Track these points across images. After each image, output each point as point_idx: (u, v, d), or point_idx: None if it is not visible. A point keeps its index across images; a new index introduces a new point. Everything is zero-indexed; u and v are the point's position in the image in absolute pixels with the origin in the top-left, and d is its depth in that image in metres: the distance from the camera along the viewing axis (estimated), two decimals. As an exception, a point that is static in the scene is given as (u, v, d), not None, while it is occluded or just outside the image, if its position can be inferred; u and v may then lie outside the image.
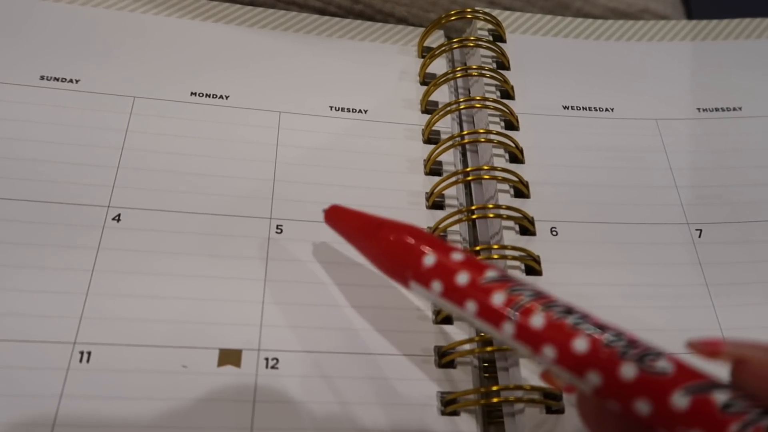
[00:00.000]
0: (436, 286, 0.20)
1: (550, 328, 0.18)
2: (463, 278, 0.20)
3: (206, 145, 0.31)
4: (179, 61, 0.33)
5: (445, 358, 0.26)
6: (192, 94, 0.32)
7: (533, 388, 0.25)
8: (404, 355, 0.27)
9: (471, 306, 0.19)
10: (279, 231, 0.29)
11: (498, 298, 0.19)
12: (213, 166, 0.30)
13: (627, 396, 0.17)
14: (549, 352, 0.18)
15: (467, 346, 0.26)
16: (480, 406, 0.25)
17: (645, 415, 0.16)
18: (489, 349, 0.26)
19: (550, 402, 0.25)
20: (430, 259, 0.21)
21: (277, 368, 0.25)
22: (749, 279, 0.29)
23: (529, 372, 0.26)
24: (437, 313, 0.28)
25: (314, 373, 0.26)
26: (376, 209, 0.30)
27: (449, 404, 0.25)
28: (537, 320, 0.18)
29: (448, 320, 0.28)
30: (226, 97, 0.32)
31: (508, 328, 0.19)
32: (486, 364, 0.27)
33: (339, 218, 0.25)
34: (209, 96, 0.32)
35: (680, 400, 0.16)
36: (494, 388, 0.25)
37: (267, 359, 0.26)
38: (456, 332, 0.27)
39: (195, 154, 0.30)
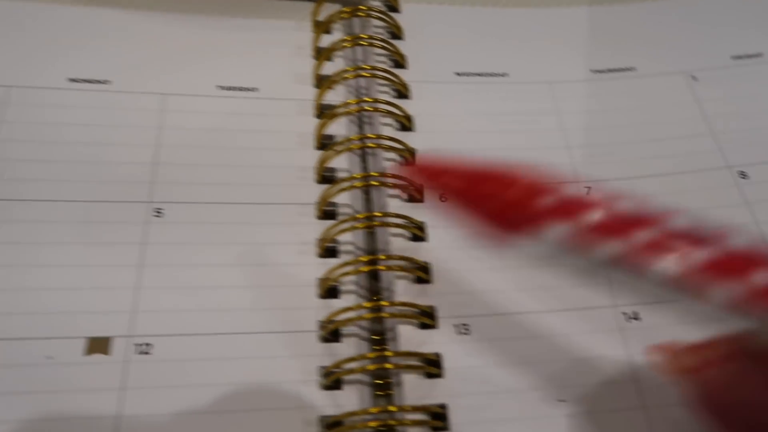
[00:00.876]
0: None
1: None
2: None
3: (85, 132, 0.30)
4: (56, 47, 0.32)
5: (331, 326, 0.26)
6: (70, 80, 0.31)
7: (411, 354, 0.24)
8: (287, 332, 0.26)
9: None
10: (158, 215, 0.28)
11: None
12: (91, 152, 0.29)
13: None
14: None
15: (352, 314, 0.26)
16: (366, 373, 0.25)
17: None
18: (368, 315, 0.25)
19: (430, 368, 0.25)
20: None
21: (149, 353, 0.25)
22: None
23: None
24: (325, 289, 0.27)
25: (190, 356, 0.25)
26: (264, 186, 0.29)
27: (330, 375, 0.25)
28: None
29: (333, 293, 0.27)
30: (107, 82, 0.32)
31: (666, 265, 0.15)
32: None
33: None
34: (89, 81, 0.31)
35: None
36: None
37: (139, 345, 0.25)
38: (340, 303, 0.27)
39: (73, 142, 0.29)
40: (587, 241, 0.16)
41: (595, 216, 0.16)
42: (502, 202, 0.17)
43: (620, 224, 0.16)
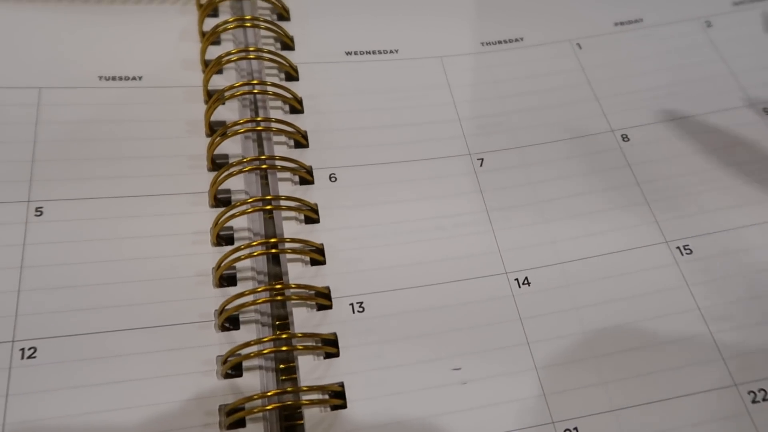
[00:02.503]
0: None
1: None
2: None
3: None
4: None
5: (225, 314, 0.25)
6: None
7: (308, 335, 0.24)
8: (179, 324, 0.25)
9: None
10: (39, 214, 0.27)
11: None
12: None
13: None
14: None
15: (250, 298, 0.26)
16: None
17: None
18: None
19: (328, 348, 0.25)
20: None
21: (34, 357, 0.24)
22: (527, 201, 0.30)
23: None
24: (220, 277, 0.26)
25: (75, 356, 0.24)
26: (153, 177, 0.29)
27: (227, 363, 0.24)
28: None
29: (231, 281, 0.27)
30: (-25, 77, 0.30)
31: None
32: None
33: None
34: (-47, 77, 0.30)
35: None
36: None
37: (23, 350, 0.24)
38: (238, 291, 0.26)
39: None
40: None
41: None
42: None
43: None
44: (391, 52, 0.34)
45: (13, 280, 0.25)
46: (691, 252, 0.28)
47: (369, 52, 0.34)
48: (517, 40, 0.36)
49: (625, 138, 0.32)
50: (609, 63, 0.35)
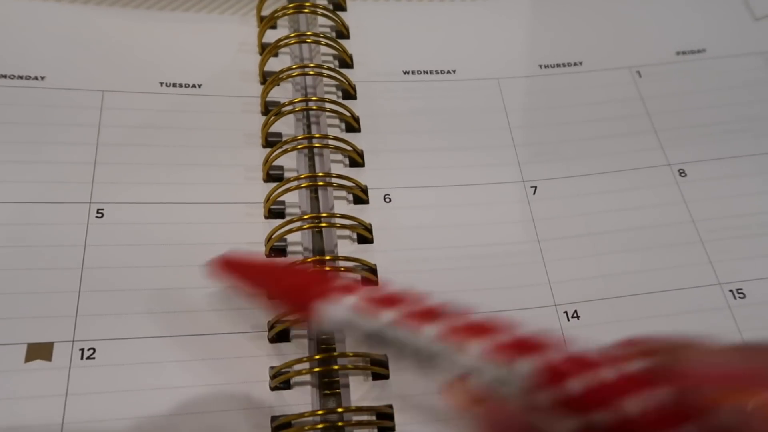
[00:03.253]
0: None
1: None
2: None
3: (17, 130, 0.29)
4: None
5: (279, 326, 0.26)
6: (2, 76, 0.30)
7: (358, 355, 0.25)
8: (233, 333, 0.26)
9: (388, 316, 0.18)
10: (100, 215, 0.28)
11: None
12: (24, 152, 0.28)
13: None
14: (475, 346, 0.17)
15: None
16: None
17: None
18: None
19: (377, 369, 0.25)
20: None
21: (93, 358, 0.24)
22: (579, 232, 0.30)
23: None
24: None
25: (134, 360, 0.25)
26: (208, 185, 0.29)
27: (279, 376, 0.25)
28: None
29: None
30: (42, 78, 0.31)
31: (430, 330, 0.17)
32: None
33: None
34: (21, 77, 0.30)
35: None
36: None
37: (82, 350, 0.24)
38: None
39: (3, 141, 0.28)
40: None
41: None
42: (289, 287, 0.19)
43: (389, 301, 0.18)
44: (449, 72, 0.34)
45: (75, 280, 0.26)
46: (744, 296, 0.28)
47: (426, 72, 0.34)
48: (576, 63, 0.35)
49: (682, 173, 0.32)
50: (669, 93, 0.34)
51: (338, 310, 0.18)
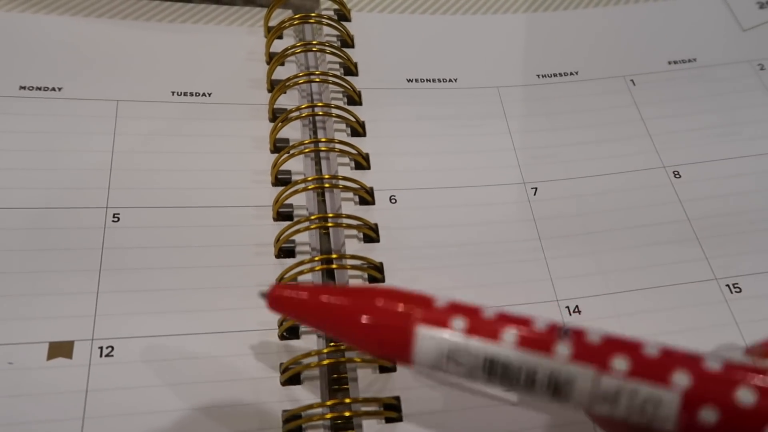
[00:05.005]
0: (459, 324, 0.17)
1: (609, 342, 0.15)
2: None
3: (36, 139, 0.30)
4: (5, 55, 0.32)
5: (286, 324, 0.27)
6: (21, 88, 0.31)
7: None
8: (246, 331, 0.27)
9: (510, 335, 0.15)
10: (116, 220, 0.29)
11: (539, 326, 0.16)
12: (42, 160, 0.30)
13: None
14: (620, 363, 0.15)
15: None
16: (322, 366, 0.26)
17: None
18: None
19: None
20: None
21: (111, 356, 0.25)
22: (579, 231, 0.31)
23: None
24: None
25: (151, 357, 0.25)
26: (218, 190, 0.30)
27: (288, 371, 0.26)
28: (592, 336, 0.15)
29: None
30: (59, 89, 0.32)
31: (563, 351, 0.15)
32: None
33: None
34: (40, 89, 0.31)
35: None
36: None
37: (101, 348, 0.25)
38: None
39: (22, 149, 0.30)
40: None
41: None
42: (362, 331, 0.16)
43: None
44: (451, 80, 0.36)
45: (93, 281, 0.27)
46: (741, 290, 0.29)
47: (429, 80, 0.35)
48: (572, 73, 0.37)
49: (676, 174, 0.33)
50: (662, 100, 0.36)
51: (440, 340, 0.15)
